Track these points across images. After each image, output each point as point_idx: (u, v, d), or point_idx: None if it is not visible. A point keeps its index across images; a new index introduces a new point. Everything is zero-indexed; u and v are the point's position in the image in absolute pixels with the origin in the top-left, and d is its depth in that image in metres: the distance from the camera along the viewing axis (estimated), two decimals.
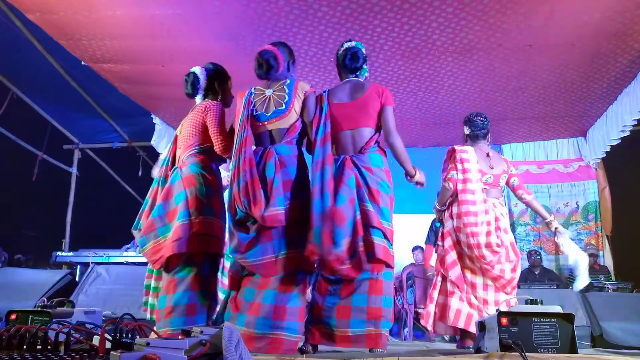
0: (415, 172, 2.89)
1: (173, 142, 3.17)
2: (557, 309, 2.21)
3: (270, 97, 2.82)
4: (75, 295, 4.56)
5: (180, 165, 2.99)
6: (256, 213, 2.56)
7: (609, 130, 6.21)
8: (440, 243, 3.60)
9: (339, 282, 2.68)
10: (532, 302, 2.29)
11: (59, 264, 5.86)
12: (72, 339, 1.52)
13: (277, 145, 2.76)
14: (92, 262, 5.26)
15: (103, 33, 4.76)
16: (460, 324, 3.36)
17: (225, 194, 3.00)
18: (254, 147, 2.76)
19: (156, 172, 3.51)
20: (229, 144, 2.88)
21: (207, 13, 4.46)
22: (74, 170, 7.58)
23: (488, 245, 3.38)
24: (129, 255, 5.45)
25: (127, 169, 7.94)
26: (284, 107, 2.78)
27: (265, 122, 2.79)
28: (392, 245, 2.73)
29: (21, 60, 5.54)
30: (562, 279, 6.68)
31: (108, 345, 1.45)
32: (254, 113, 2.81)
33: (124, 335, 1.52)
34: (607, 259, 6.82)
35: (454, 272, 3.46)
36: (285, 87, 2.83)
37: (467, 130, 3.77)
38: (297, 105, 2.80)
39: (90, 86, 6.03)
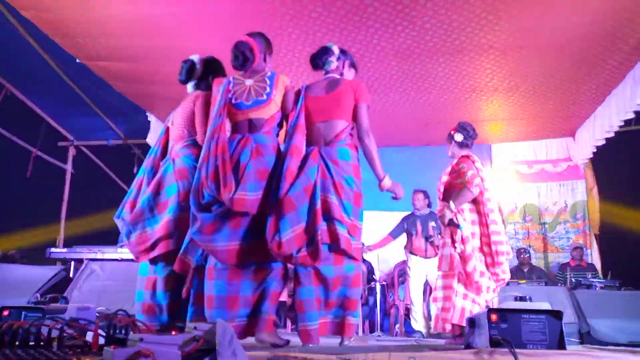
0: (385, 177, 2.87)
1: (164, 132, 3.14)
2: (546, 306, 2.24)
3: (250, 87, 2.83)
4: (69, 292, 4.56)
5: (172, 156, 2.96)
6: (225, 196, 2.54)
7: (596, 131, 6.27)
8: (461, 246, 3.56)
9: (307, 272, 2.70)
10: (521, 299, 2.33)
11: (53, 260, 5.85)
12: (65, 335, 1.52)
13: (255, 134, 2.77)
14: (86, 259, 5.24)
15: (98, 31, 4.76)
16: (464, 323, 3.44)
17: None
18: (229, 135, 2.78)
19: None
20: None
21: (202, 13, 4.48)
22: (68, 167, 7.55)
23: (507, 253, 3.56)
24: (123, 251, 5.43)
25: (122, 166, 7.92)
26: (264, 97, 2.79)
27: (245, 111, 2.80)
28: (355, 239, 2.73)
29: (16, 58, 5.52)
30: (551, 276, 6.75)
31: (101, 341, 1.47)
32: (233, 101, 2.81)
33: (117, 331, 1.55)
34: (595, 257, 6.87)
35: (474, 276, 3.50)
36: (266, 78, 2.84)
37: (459, 138, 3.83)
38: (277, 97, 2.82)
39: (85, 83, 6.01)
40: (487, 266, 3.56)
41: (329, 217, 2.67)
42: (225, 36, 4.82)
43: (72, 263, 5.55)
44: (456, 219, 3.58)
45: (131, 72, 5.55)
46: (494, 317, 2.16)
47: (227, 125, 2.87)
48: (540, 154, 7.48)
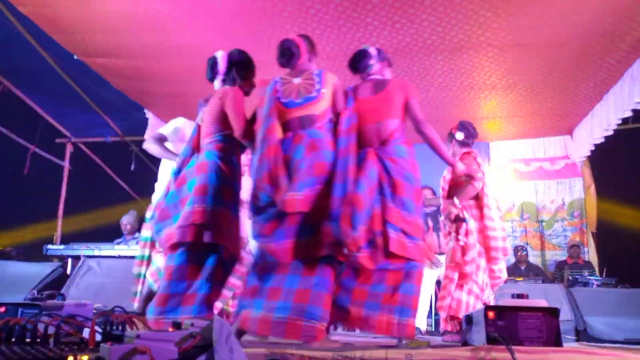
0: (457, 162, 3.02)
1: (196, 131, 3.09)
2: (543, 304, 2.25)
3: (298, 85, 2.83)
4: (66, 289, 4.56)
5: (198, 153, 2.96)
6: (278, 198, 2.58)
7: (594, 129, 6.26)
8: (464, 239, 3.58)
9: (356, 270, 2.69)
10: (519, 296, 2.34)
11: (50, 257, 5.84)
12: (62, 331, 1.51)
13: (308, 129, 2.76)
14: (83, 255, 5.24)
15: (96, 27, 4.74)
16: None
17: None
18: (280, 135, 2.76)
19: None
20: (249, 128, 2.86)
21: (201, 9, 4.46)
22: (66, 164, 7.54)
23: (503, 250, 3.63)
24: (121, 248, 5.44)
25: (119, 163, 7.90)
26: (314, 94, 2.78)
27: (296, 108, 2.79)
28: (415, 238, 2.70)
29: (13, 54, 5.49)
30: (548, 274, 6.77)
31: (98, 337, 1.47)
32: (282, 101, 2.81)
33: (114, 327, 1.54)
34: (591, 255, 6.88)
35: (471, 267, 3.54)
36: (314, 75, 2.84)
37: (460, 136, 3.86)
38: (327, 93, 2.81)
39: (83, 80, 5.99)
40: (486, 260, 3.61)
41: (384, 221, 2.67)
42: (224, 32, 4.84)
43: (69, 260, 5.55)
44: (462, 213, 3.61)
45: (129, 69, 5.53)
46: (491, 314, 2.17)
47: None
48: (538, 151, 7.48)
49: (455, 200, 3.61)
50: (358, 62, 3.07)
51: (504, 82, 5.66)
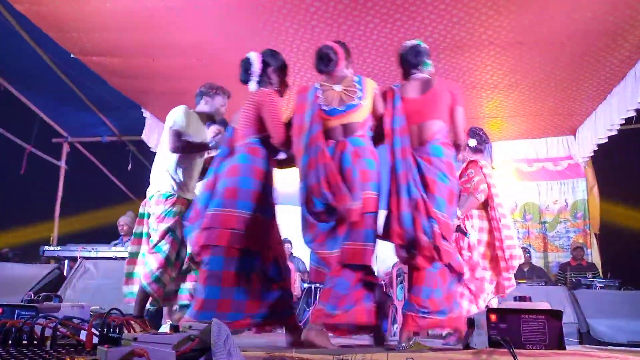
0: None
1: (232, 133, 3.05)
2: (546, 306, 2.22)
3: (340, 93, 2.85)
4: (62, 290, 4.53)
5: (232, 155, 2.94)
6: (341, 206, 2.59)
7: (597, 129, 6.26)
8: (467, 253, 3.57)
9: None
10: (521, 298, 2.30)
11: (47, 259, 5.80)
12: (58, 333, 1.50)
13: (350, 137, 2.79)
14: (80, 257, 5.21)
15: (93, 25, 4.71)
16: None
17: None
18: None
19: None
20: (288, 136, 2.86)
21: (199, 7, 4.43)
22: (62, 164, 7.50)
23: (520, 257, 3.62)
24: (118, 250, 5.41)
25: (116, 163, 7.87)
26: (356, 101, 2.82)
27: (338, 116, 2.81)
28: (446, 240, 2.73)
29: (9, 52, 5.46)
30: (551, 276, 6.74)
31: (95, 340, 1.44)
32: (324, 108, 2.83)
33: (111, 330, 1.51)
34: (595, 257, 6.87)
35: (481, 282, 3.55)
36: (355, 83, 2.87)
37: (472, 143, 3.80)
38: (369, 101, 2.85)
39: (79, 79, 5.96)
40: (500, 272, 3.58)
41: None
42: (221, 31, 4.82)
43: (66, 261, 5.51)
44: (464, 225, 3.58)
45: (126, 68, 5.50)
46: (493, 317, 2.14)
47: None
48: (541, 152, 7.46)
49: (458, 210, 3.56)
50: (411, 58, 3.06)
51: (506, 81, 5.64)
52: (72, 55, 5.28)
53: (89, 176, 7.94)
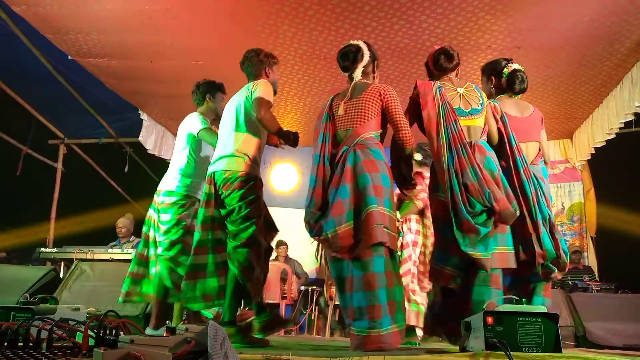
0: None
1: (330, 120, 2.90)
2: (542, 309, 2.22)
3: (462, 95, 2.86)
4: (58, 292, 4.50)
5: (356, 147, 2.74)
6: (500, 209, 2.59)
7: (594, 133, 6.28)
8: (399, 252, 3.85)
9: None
10: (518, 301, 2.30)
11: (43, 260, 5.78)
12: (54, 336, 1.51)
13: (475, 141, 2.79)
14: (76, 259, 5.18)
15: (90, 27, 4.71)
16: (412, 322, 3.81)
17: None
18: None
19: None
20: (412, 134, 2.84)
21: (197, 9, 4.44)
22: (59, 165, 7.47)
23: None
24: (114, 252, 5.38)
25: (113, 165, 7.83)
26: (480, 107, 2.84)
27: (463, 118, 2.80)
28: None
29: (6, 54, 5.44)
30: None
31: (91, 342, 1.44)
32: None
33: (107, 332, 1.51)
34: (591, 260, 6.88)
35: (406, 279, 3.85)
36: (475, 89, 2.91)
37: (418, 157, 4.09)
38: (488, 110, 2.89)
39: (76, 81, 5.95)
40: (419, 274, 3.91)
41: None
42: (219, 33, 4.82)
43: (62, 263, 5.49)
44: (401, 227, 3.96)
45: (124, 70, 5.50)
46: (489, 319, 2.13)
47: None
48: None
49: (398, 213, 3.87)
50: (521, 84, 3.24)
51: None
52: (69, 57, 5.29)
53: (86, 178, 7.89)
